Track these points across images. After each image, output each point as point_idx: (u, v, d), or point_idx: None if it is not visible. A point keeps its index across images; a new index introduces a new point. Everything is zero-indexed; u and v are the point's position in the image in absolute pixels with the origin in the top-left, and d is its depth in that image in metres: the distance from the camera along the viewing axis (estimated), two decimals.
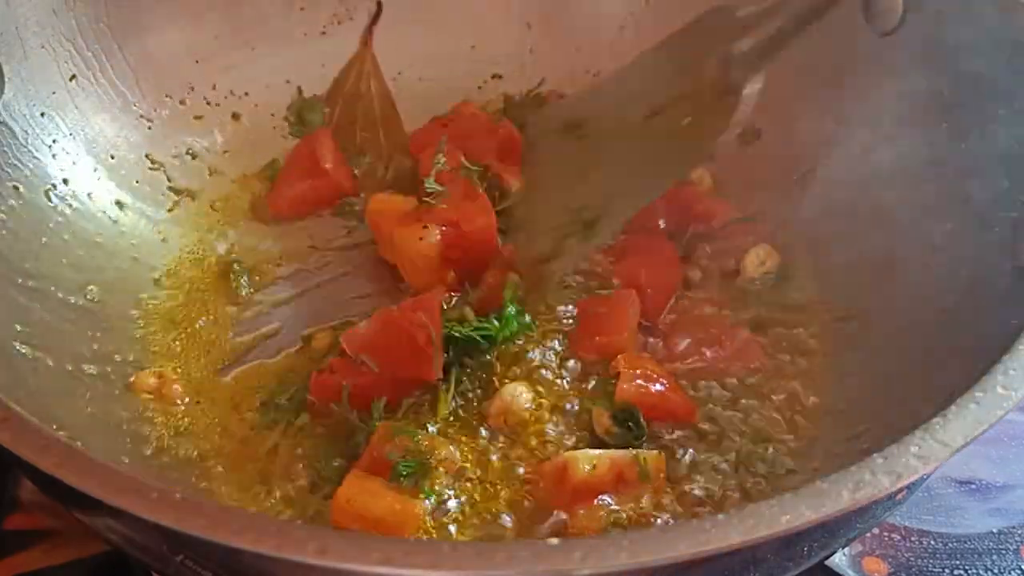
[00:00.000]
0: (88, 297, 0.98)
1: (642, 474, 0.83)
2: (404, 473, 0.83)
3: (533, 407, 0.90)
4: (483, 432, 0.90)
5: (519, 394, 0.90)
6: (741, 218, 1.03)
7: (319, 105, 1.19)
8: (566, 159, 1.00)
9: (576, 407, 0.92)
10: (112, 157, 1.07)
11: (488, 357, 0.94)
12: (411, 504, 0.82)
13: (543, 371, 0.94)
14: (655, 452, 0.85)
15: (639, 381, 0.89)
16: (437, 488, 0.85)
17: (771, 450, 0.90)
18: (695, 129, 0.89)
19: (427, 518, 0.83)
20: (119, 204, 1.05)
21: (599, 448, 0.86)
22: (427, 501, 0.83)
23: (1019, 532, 0.97)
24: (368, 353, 0.89)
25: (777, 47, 0.84)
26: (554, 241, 0.97)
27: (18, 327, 0.87)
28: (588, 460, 0.83)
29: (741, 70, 0.85)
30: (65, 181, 1.01)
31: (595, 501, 0.82)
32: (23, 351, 0.86)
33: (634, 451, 0.85)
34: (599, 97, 1.01)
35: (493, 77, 1.22)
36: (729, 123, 0.86)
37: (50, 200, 0.99)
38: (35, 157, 0.99)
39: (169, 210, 1.09)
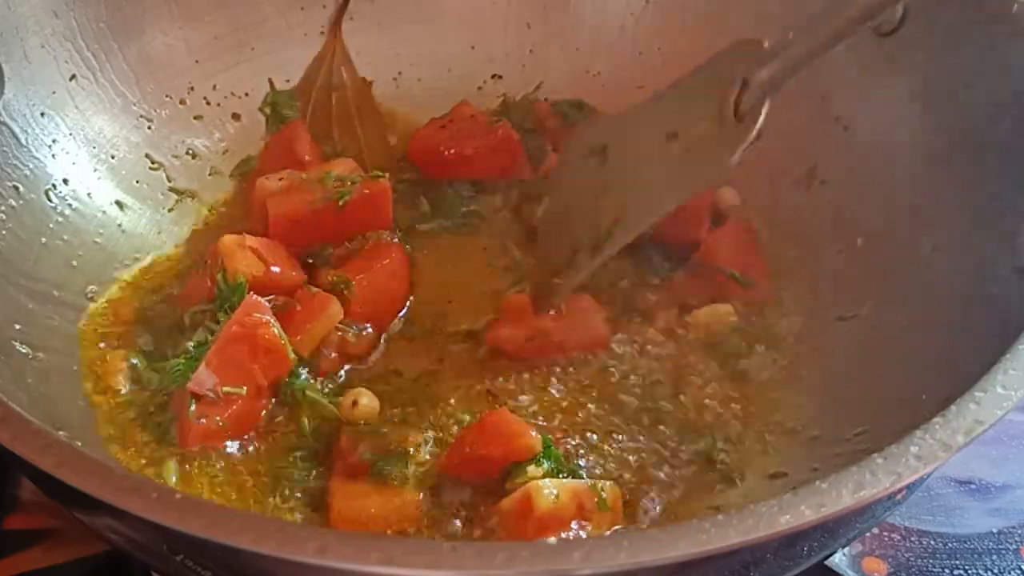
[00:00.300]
0: (88, 297, 0.98)
1: (601, 504, 0.81)
2: (385, 468, 0.84)
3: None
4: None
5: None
6: (731, 273, 1.03)
7: (292, 98, 1.19)
8: (587, 181, 1.03)
9: None
10: (112, 157, 1.07)
11: None
12: (407, 492, 0.83)
13: None
14: (610, 483, 0.84)
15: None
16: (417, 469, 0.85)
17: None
18: (708, 150, 0.91)
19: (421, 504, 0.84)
20: (119, 204, 1.05)
21: None
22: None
23: (1019, 532, 0.97)
24: (226, 382, 0.88)
25: (790, 73, 0.86)
26: (566, 257, 1.00)
27: (18, 327, 0.87)
28: (551, 489, 0.80)
29: (756, 95, 0.87)
30: (65, 181, 1.01)
31: (560, 533, 0.80)
32: (23, 350, 0.86)
33: (591, 481, 0.84)
34: (625, 122, 1.03)
35: (493, 77, 1.22)
36: (740, 147, 0.87)
37: (50, 200, 0.99)
38: (35, 157, 0.99)
39: (169, 210, 1.09)
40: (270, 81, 1.18)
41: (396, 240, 1.02)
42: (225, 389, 0.87)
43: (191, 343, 0.91)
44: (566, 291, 0.98)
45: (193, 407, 0.86)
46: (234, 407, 0.88)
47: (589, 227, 0.99)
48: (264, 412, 0.90)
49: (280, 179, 1.02)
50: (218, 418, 0.87)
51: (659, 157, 0.95)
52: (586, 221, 1.00)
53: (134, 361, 0.93)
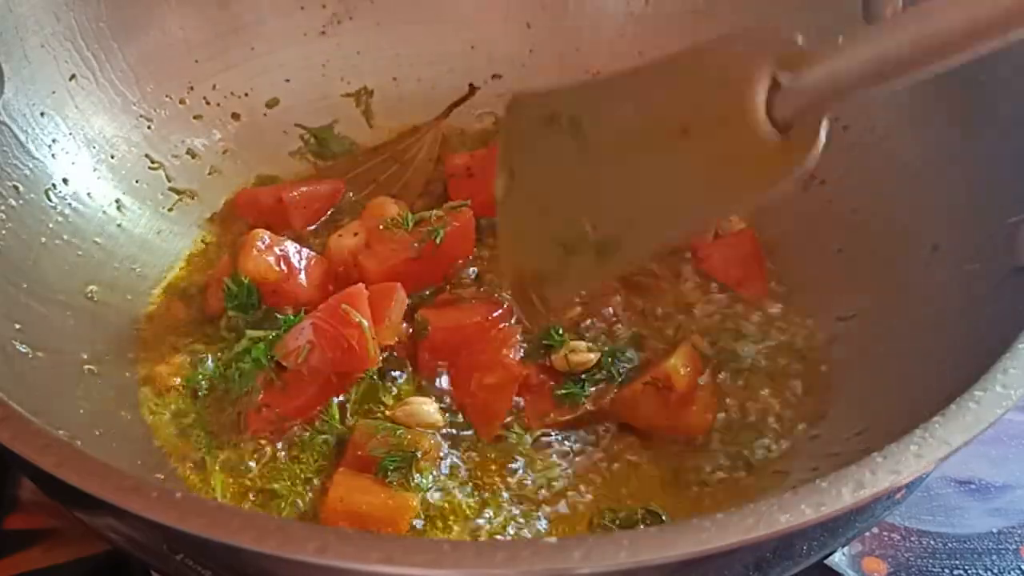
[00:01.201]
0: (88, 296, 0.98)
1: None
2: (391, 468, 0.84)
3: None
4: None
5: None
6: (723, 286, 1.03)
7: (346, 141, 1.19)
8: (560, 159, 0.87)
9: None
10: (112, 157, 1.07)
11: None
12: (403, 498, 0.83)
13: None
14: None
15: None
16: (424, 479, 0.86)
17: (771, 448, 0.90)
18: (745, 163, 0.74)
19: (419, 511, 0.84)
20: (119, 204, 1.05)
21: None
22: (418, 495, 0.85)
23: (1018, 532, 0.97)
24: (304, 363, 0.89)
25: (852, 88, 0.68)
26: (554, 258, 0.86)
27: (17, 326, 0.87)
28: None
29: (796, 103, 0.70)
30: (65, 181, 1.01)
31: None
32: (22, 350, 0.86)
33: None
34: (606, 92, 0.87)
35: (493, 77, 1.22)
36: (794, 169, 0.70)
37: (50, 200, 0.99)
38: (35, 157, 0.99)
39: (169, 210, 1.09)
40: (334, 123, 1.20)
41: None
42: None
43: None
44: (559, 303, 0.95)
45: (260, 395, 0.89)
46: (299, 400, 0.90)
47: (579, 223, 0.85)
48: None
49: (355, 234, 1.01)
50: (278, 409, 0.89)
51: (670, 153, 0.79)
52: (571, 215, 0.85)
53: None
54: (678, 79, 0.81)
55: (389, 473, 0.84)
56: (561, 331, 0.96)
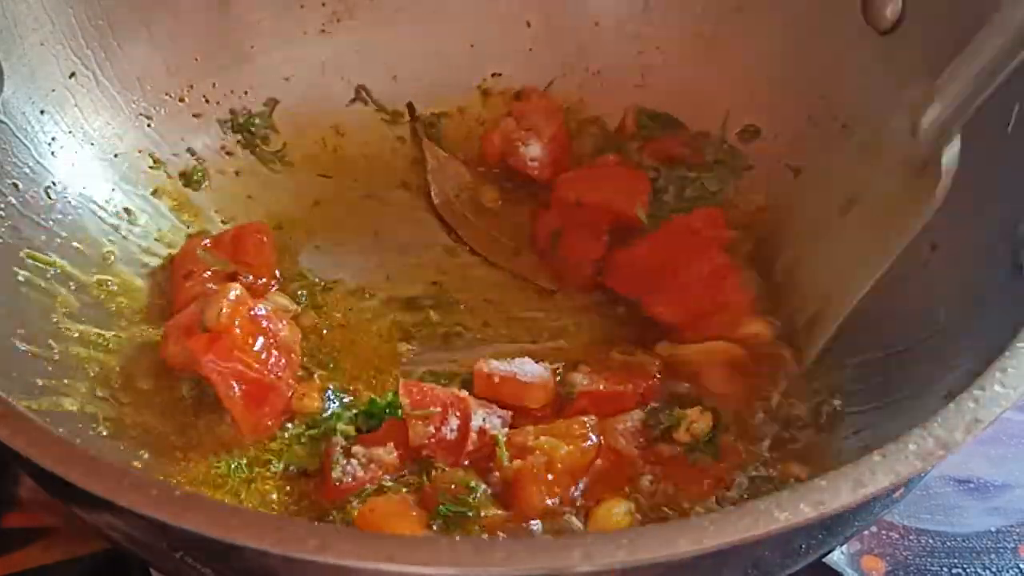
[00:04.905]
0: (88, 295, 0.98)
1: None
2: (444, 514, 0.81)
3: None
4: None
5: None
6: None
7: None
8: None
9: None
10: (112, 155, 1.07)
11: None
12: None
13: None
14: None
15: None
16: None
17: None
18: (898, 208, 0.84)
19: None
20: (119, 202, 1.05)
21: None
22: None
23: (1017, 531, 0.97)
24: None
25: (969, 106, 0.79)
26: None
27: (21, 330, 0.88)
28: None
29: (933, 138, 0.80)
30: (65, 179, 1.01)
31: None
32: (23, 348, 0.87)
33: None
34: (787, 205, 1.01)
35: (493, 76, 1.22)
36: (934, 197, 0.80)
37: (50, 198, 0.99)
38: (34, 155, 0.99)
39: (169, 208, 1.09)
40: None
41: None
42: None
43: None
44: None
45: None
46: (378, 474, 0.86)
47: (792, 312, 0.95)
48: None
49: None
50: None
51: (841, 230, 0.92)
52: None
53: None
54: (836, 169, 0.94)
55: (439, 519, 0.81)
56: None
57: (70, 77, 1.04)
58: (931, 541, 0.96)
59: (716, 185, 1.11)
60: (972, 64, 0.77)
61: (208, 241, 1.04)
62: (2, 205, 0.94)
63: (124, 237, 1.04)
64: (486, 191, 1.15)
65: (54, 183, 1.00)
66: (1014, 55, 0.75)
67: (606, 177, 1.10)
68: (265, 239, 1.04)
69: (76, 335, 0.93)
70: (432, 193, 1.14)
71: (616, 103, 1.19)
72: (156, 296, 1.02)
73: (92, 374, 0.92)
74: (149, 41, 1.10)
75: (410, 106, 1.20)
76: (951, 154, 0.78)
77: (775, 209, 1.06)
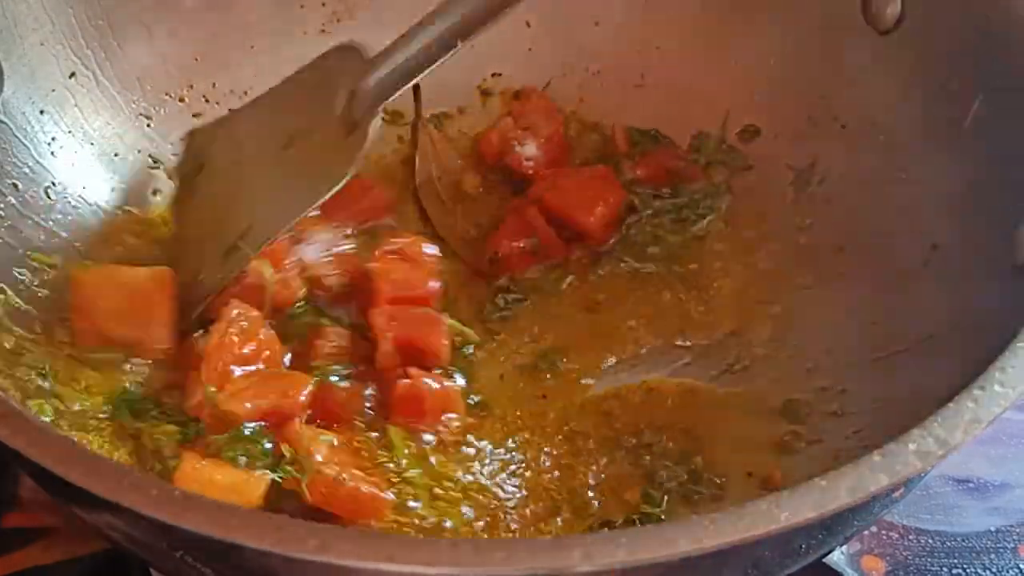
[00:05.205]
0: None
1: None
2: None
3: None
4: None
5: None
6: None
7: None
8: (220, 192, 1.04)
9: None
10: (112, 155, 1.07)
11: None
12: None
13: None
14: None
15: None
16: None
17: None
18: (326, 161, 0.93)
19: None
20: (118, 202, 1.05)
21: None
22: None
23: (1017, 531, 0.97)
24: None
25: (399, 84, 0.89)
26: (202, 260, 0.97)
27: (18, 330, 0.88)
28: None
29: (363, 106, 0.90)
30: (64, 179, 1.01)
31: None
32: None
33: None
34: (233, 129, 1.07)
35: (492, 75, 1.22)
36: (355, 158, 0.90)
37: (50, 197, 0.99)
38: (34, 155, 0.99)
39: (169, 208, 1.09)
40: None
41: None
42: None
43: None
44: (209, 292, 0.94)
45: None
46: None
47: (222, 235, 0.97)
48: None
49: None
50: None
51: (279, 165, 0.98)
52: (218, 232, 0.98)
53: None
54: (283, 104, 1.03)
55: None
56: None
57: (70, 77, 1.04)
58: (931, 541, 0.97)
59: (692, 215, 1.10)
60: (403, 51, 0.89)
61: None
62: (2, 205, 0.94)
63: (124, 237, 1.04)
64: (469, 178, 1.15)
65: (54, 183, 1.00)
66: (440, 53, 0.87)
67: (579, 184, 1.09)
68: None
69: None
70: (415, 172, 1.15)
71: (616, 103, 1.19)
72: None
73: None
74: (149, 41, 1.10)
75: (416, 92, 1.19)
76: (375, 127, 0.90)
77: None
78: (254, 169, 1.01)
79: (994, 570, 0.94)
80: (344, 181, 0.90)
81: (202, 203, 1.05)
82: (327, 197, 0.92)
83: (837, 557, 0.93)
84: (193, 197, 1.06)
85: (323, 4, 1.19)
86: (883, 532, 0.97)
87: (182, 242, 1.03)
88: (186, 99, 1.13)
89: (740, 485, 0.89)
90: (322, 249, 1.00)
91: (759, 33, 1.12)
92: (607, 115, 1.19)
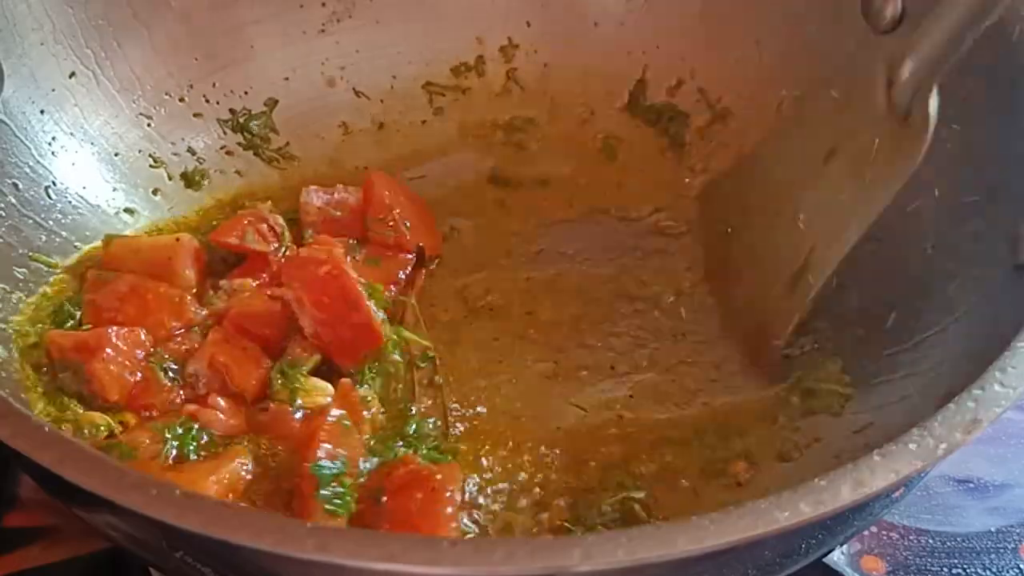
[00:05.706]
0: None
1: None
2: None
3: None
4: None
5: None
6: None
7: None
8: (763, 222, 1.02)
9: None
10: (112, 155, 1.07)
11: None
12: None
13: None
14: None
15: None
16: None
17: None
18: (884, 160, 0.89)
19: None
20: (119, 202, 1.05)
21: None
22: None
23: (1017, 531, 0.97)
24: None
25: (945, 60, 0.83)
26: (774, 293, 0.97)
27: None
28: None
29: (909, 90, 0.85)
30: (65, 179, 1.01)
31: None
32: None
33: None
34: (763, 160, 1.03)
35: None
36: (921, 148, 0.84)
37: (50, 197, 0.99)
38: (34, 155, 0.99)
39: (170, 208, 1.09)
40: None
41: None
42: None
43: None
44: (790, 326, 0.96)
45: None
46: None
47: (777, 262, 0.97)
48: None
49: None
50: None
51: (824, 178, 0.94)
52: (772, 257, 0.98)
53: None
54: (806, 123, 0.99)
55: None
56: None
57: (70, 77, 1.04)
58: (931, 541, 0.97)
59: None
60: (946, 19, 0.82)
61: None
62: (2, 205, 0.94)
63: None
64: None
65: (54, 183, 1.00)
66: (985, 13, 0.79)
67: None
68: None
69: None
70: None
71: (616, 101, 1.19)
72: None
73: None
74: (149, 41, 1.10)
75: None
76: (933, 104, 0.84)
77: (736, 178, 1.09)
78: (798, 194, 0.98)
79: (994, 570, 0.94)
80: (910, 168, 0.86)
81: (742, 255, 1.04)
82: (889, 199, 0.89)
83: (837, 557, 0.93)
84: (728, 262, 1.05)
85: (323, 4, 1.19)
86: (883, 532, 0.97)
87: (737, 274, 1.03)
88: (186, 99, 1.13)
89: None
90: None
91: (759, 33, 1.13)
92: (607, 115, 1.19)
